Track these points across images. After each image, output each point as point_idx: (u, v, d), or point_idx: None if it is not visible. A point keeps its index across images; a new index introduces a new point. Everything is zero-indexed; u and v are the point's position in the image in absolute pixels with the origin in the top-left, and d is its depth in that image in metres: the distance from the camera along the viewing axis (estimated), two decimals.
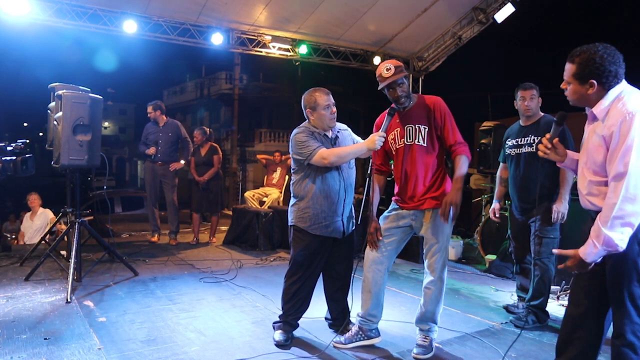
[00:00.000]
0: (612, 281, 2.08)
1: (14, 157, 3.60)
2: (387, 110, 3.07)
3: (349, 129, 3.44)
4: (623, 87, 2.08)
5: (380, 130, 3.00)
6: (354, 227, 3.35)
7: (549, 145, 2.32)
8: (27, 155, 3.72)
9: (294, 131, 3.22)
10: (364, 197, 3.14)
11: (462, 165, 2.94)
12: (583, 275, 2.22)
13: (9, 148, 3.62)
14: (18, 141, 3.75)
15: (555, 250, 2.27)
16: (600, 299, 2.16)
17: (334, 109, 3.20)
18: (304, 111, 3.24)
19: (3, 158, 3.53)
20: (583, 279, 2.24)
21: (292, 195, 3.31)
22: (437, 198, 2.99)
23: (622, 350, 2.05)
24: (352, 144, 3.32)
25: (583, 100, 2.14)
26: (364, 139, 3.18)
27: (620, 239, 1.94)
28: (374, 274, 3.10)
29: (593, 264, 2.04)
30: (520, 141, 3.74)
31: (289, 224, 3.29)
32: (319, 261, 3.23)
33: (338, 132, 3.31)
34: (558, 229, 3.64)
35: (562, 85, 2.20)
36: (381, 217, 3.17)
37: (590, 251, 2.01)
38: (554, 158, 2.37)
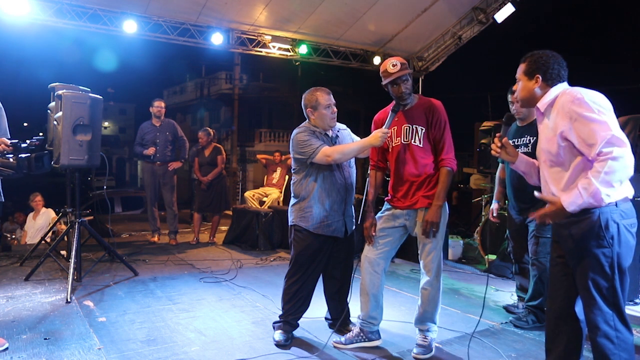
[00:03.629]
0: (578, 275, 2.16)
1: (28, 154, 3.57)
2: (389, 107, 3.07)
3: (348, 129, 3.45)
4: (566, 86, 2.26)
5: (383, 127, 3.01)
6: (354, 227, 3.36)
7: (499, 144, 2.46)
8: (42, 152, 3.68)
9: (295, 131, 3.22)
10: (364, 196, 3.14)
11: (445, 179, 2.97)
12: (556, 268, 2.32)
13: (23, 145, 3.58)
14: (33, 138, 3.71)
15: (537, 193, 2.31)
16: (575, 290, 2.23)
17: (335, 109, 3.20)
18: (304, 110, 3.24)
19: (18, 155, 3.48)
20: (557, 272, 2.32)
21: (292, 195, 3.30)
22: (430, 197, 2.99)
23: (599, 342, 2.10)
24: None
25: (530, 97, 2.33)
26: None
27: (607, 194, 2.02)
28: (370, 277, 3.10)
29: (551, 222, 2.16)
30: (517, 141, 3.73)
31: (290, 223, 3.29)
32: (320, 261, 3.23)
33: (338, 131, 3.31)
34: None
35: (514, 87, 2.43)
36: (376, 217, 3.17)
37: (574, 200, 2.06)
38: (505, 158, 2.50)
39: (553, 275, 2.35)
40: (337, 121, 3.28)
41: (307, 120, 3.26)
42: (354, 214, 3.36)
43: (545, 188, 2.31)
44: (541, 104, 2.29)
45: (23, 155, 3.50)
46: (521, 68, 2.36)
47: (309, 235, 3.17)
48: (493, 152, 2.49)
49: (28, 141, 3.63)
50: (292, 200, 3.29)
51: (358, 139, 3.41)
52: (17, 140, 3.53)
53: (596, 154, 2.02)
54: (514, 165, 2.51)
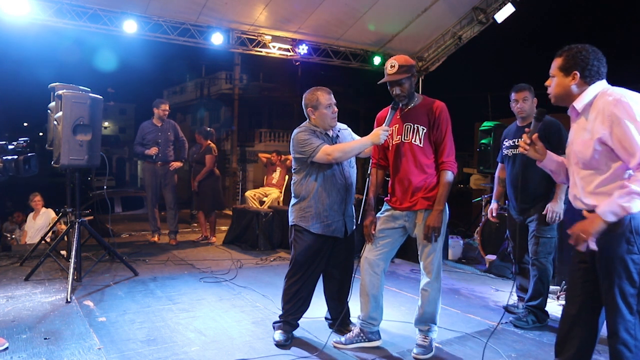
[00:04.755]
0: (603, 280, 2.11)
1: (15, 157, 3.55)
2: (391, 105, 3.06)
3: (349, 129, 3.44)
4: (606, 85, 2.14)
5: (384, 124, 3.00)
6: (354, 227, 3.35)
7: (528, 141, 2.34)
8: (29, 154, 3.66)
9: (295, 131, 3.21)
10: (364, 196, 3.14)
11: (446, 182, 2.95)
12: (577, 273, 2.25)
13: (10, 147, 3.55)
14: (20, 140, 3.68)
15: (585, 213, 2.15)
16: (594, 296, 2.18)
17: (335, 109, 3.20)
18: (304, 110, 3.24)
19: (4, 157, 3.46)
20: (577, 277, 2.26)
21: (292, 195, 3.30)
22: (429, 199, 2.97)
23: (617, 349, 2.07)
24: None
25: (565, 94, 2.20)
26: None
27: (637, 207, 1.92)
28: (370, 277, 3.10)
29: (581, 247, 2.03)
30: (517, 141, 3.72)
31: (290, 223, 3.29)
32: (320, 261, 3.23)
33: (339, 131, 3.31)
34: (555, 228, 3.63)
35: (547, 82, 2.27)
36: (376, 216, 3.17)
37: (610, 208, 1.95)
38: (533, 155, 2.38)
39: (573, 280, 2.29)
40: (337, 121, 3.28)
41: (308, 120, 3.26)
42: (354, 214, 3.36)
43: (574, 190, 2.22)
44: (578, 105, 2.16)
45: (9, 157, 3.48)
46: (556, 62, 2.21)
47: (309, 235, 3.17)
48: (520, 149, 2.37)
49: (15, 143, 3.60)
50: (293, 200, 3.29)
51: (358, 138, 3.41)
52: (4, 142, 3.51)
53: (637, 165, 1.94)
54: (541, 163, 2.40)
